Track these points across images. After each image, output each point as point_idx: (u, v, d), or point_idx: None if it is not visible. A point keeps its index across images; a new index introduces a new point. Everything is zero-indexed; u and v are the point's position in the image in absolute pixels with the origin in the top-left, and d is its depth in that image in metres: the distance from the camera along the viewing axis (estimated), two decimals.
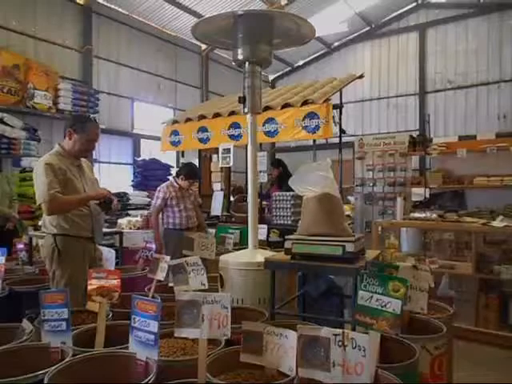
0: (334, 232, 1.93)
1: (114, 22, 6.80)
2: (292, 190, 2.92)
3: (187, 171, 3.71)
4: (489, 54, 7.91)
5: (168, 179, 4.05)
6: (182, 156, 5.69)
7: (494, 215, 3.83)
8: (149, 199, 5.87)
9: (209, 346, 1.30)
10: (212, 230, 4.25)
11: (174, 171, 6.37)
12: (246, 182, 2.52)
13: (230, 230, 4.31)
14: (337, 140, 4.24)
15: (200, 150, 5.53)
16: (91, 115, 5.35)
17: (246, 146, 2.47)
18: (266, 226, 4.02)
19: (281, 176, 4.81)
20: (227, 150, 4.40)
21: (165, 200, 3.65)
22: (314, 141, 4.29)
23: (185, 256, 1.93)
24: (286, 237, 2.03)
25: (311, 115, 3.96)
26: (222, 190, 5.00)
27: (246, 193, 2.64)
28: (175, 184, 3.70)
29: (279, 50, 2.43)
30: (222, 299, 1.24)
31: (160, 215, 3.77)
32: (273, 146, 8.76)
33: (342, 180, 4.12)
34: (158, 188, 3.75)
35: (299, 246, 1.95)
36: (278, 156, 7.50)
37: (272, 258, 2.09)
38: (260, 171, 3.99)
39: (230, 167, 5.49)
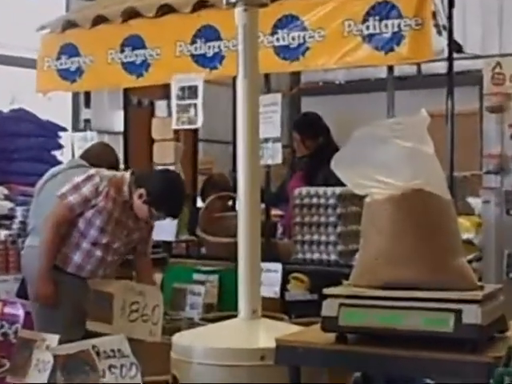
0: (436, 278, 1.96)
1: None
2: (337, 184, 2.91)
3: (163, 199, 3.72)
4: None
5: (59, 161, 3.97)
6: (87, 105, 5.70)
7: None
8: (10, 204, 5.82)
9: None
10: (157, 277, 4.28)
11: (68, 140, 6.31)
12: (234, 165, 2.56)
13: (197, 276, 4.32)
14: (441, 68, 4.23)
15: (127, 91, 5.53)
16: None
17: (234, 81, 2.55)
18: (279, 266, 4.09)
19: (317, 152, 4.89)
20: (190, 92, 4.38)
21: (87, 205, 3.71)
22: (391, 69, 4.26)
23: (91, 335, 1.95)
24: (326, 291, 2.07)
25: (383, 9, 3.97)
26: None
27: (234, 191, 2.74)
28: (125, 192, 3.76)
29: None
30: None
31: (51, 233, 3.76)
32: (295, 82, 8.70)
33: (455, 160, 4.10)
34: (92, 173, 3.78)
35: (355, 311, 1.97)
36: (306, 105, 7.52)
37: (293, 341, 2.11)
38: (266, 140, 3.99)
39: (196, 130, 5.48)
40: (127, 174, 3.83)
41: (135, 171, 3.89)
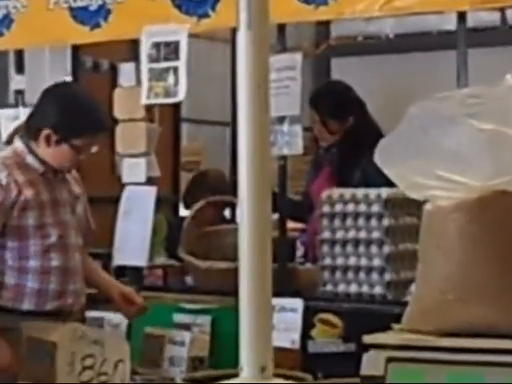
0: None
1: None
2: (383, 184, 3.10)
3: (73, 116, 3.93)
4: None
5: None
6: (19, 70, 5.81)
7: None
8: None
9: None
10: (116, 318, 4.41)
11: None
12: (233, 157, 2.61)
13: (180, 317, 4.45)
14: None
15: (77, 50, 5.65)
16: None
17: (233, 35, 2.58)
18: (299, 303, 4.20)
19: (348, 139, 5.00)
20: (169, 51, 4.51)
21: (2, 212, 3.89)
22: (462, 17, 4.34)
23: None
24: (367, 339, 2.19)
25: None
26: (151, 181, 5.13)
27: (233, 194, 2.87)
28: (32, 162, 3.96)
29: None
30: None
31: None
32: (323, 37, 8.91)
33: None
34: None
35: (411, 369, 2.08)
36: (338, 69, 7.69)
37: None
38: (280, 120, 4.20)
39: (177, 106, 5.79)
40: (17, 141, 4.03)
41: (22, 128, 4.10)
